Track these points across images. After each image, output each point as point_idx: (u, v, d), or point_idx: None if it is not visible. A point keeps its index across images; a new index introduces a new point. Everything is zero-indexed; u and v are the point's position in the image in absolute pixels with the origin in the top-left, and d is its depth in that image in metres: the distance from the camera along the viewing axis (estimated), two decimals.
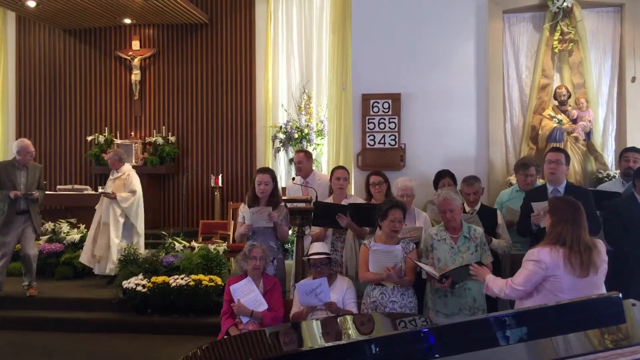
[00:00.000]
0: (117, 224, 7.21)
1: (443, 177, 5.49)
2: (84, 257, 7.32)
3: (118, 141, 10.81)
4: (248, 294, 4.56)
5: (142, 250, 7.19)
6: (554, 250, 3.33)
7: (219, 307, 5.04)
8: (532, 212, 4.61)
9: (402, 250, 4.29)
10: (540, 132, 6.49)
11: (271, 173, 5.23)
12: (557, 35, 6.48)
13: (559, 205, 3.51)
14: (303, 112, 9.90)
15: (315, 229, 5.33)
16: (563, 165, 4.79)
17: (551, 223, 3.45)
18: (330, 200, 5.46)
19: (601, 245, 3.43)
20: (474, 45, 6.44)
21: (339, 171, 5.54)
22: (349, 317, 3.57)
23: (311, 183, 5.93)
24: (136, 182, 7.38)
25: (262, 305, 4.52)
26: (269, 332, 3.20)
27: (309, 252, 4.68)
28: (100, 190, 7.49)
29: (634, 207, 4.70)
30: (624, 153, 5.57)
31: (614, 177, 6.14)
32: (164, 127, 10.95)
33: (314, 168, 6.54)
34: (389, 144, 6.49)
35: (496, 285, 3.60)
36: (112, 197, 7.18)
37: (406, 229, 4.67)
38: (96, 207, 7.44)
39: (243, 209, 5.20)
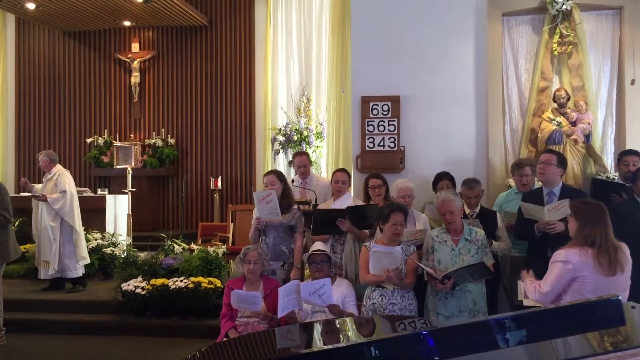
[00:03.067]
0: (51, 227, 6.99)
1: (442, 179, 5.49)
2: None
3: (117, 143, 10.81)
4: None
5: (83, 253, 7.18)
6: (582, 251, 3.38)
7: (218, 309, 5.03)
8: (527, 216, 4.60)
9: (402, 252, 4.29)
10: (539, 134, 6.49)
11: (277, 174, 5.20)
12: (556, 38, 6.49)
13: (584, 208, 3.55)
14: (302, 115, 9.91)
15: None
16: (553, 166, 4.69)
17: (578, 227, 3.47)
18: (331, 202, 5.45)
19: (625, 248, 3.47)
20: (473, 48, 6.45)
21: (338, 174, 5.50)
22: (348, 319, 3.57)
23: (309, 185, 5.92)
24: (66, 181, 7.10)
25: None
26: (269, 334, 3.20)
27: (310, 250, 4.69)
28: (31, 194, 7.21)
29: (635, 208, 4.70)
30: (622, 157, 5.55)
31: (614, 179, 6.14)
32: (163, 130, 10.96)
33: (312, 170, 6.54)
34: (389, 146, 6.49)
35: (530, 292, 3.62)
36: (41, 199, 6.99)
37: (409, 232, 4.66)
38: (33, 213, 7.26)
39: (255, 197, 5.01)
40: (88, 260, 7.31)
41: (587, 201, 3.68)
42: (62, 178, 7.06)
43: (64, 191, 7.00)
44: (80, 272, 7.15)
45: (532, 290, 3.59)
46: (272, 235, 5.06)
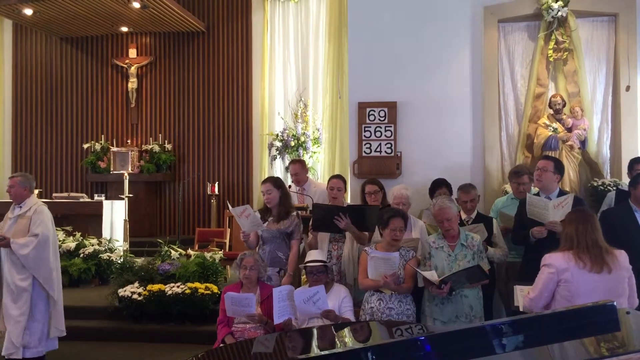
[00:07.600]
0: (18, 288, 4.92)
1: (439, 187, 5.46)
2: None
3: (114, 149, 10.81)
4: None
5: (60, 325, 5.11)
6: (565, 254, 3.45)
7: (215, 315, 5.02)
8: (530, 214, 4.60)
9: (400, 258, 4.30)
10: (535, 140, 6.52)
11: (273, 181, 5.14)
12: (551, 44, 6.53)
13: (571, 214, 3.68)
14: (299, 120, 9.92)
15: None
16: (549, 173, 4.71)
17: (564, 231, 3.59)
18: None
19: (620, 254, 3.50)
20: (470, 54, 6.48)
21: (333, 180, 5.42)
22: (345, 325, 3.57)
23: (307, 191, 5.91)
24: (43, 221, 5.02)
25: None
26: (265, 341, 3.20)
27: (306, 260, 4.68)
28: None
29: (629, 215, 4.71)
30: (634, 165, 5.48)
31: (609, 185, 6.16)
32: (160, 135, 10.96)
33: (309, 176, 6.51)
34: (385, 152, 6.51)
35: (520, 301, 3.66)
36: (2, 243, 4.92)
37: (402, 240, 4.65)
38: None
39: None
40: (64, 333, 5.20)
41: (577, 209, 3.77)
42: (40, 216, 5.02)
43: (36, 235, 4.93)
44: (43, 350, 5.05)
45: (522, 300, 3.64)
46: (270, 242, 5.06)
